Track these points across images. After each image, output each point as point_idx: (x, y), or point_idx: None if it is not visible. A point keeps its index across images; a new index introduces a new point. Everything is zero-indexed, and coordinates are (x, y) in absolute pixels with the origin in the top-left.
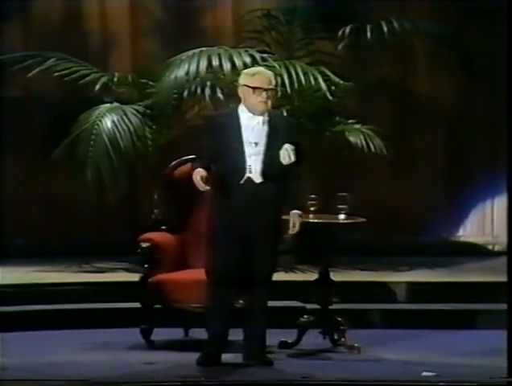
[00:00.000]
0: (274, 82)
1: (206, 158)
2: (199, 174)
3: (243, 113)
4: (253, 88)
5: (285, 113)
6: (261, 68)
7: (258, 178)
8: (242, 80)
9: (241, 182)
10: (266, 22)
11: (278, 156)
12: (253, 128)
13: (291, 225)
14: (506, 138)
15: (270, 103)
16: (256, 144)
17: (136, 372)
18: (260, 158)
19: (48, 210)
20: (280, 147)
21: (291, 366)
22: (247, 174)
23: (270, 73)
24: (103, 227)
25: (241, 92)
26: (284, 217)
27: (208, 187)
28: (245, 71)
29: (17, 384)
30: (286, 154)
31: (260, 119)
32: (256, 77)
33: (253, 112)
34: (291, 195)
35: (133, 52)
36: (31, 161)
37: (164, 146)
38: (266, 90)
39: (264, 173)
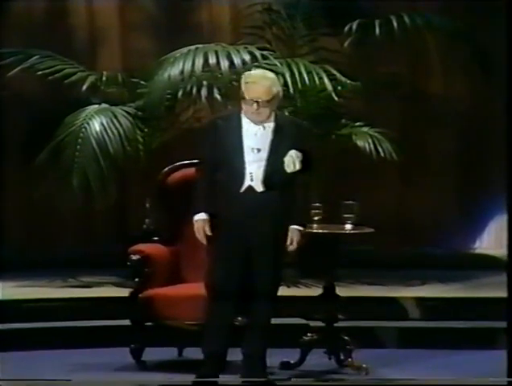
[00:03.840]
0: (273, 91)
1: (209, 165)
2: (202, 225)
3: (245, 117)
4: (244, 98)
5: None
6: (258, 75)
7: (259, 187)
8: (241, 83)
9: (242, 190)
10: (267, 17)
11: (282, 163)
12: (255, 133)
13: (288, 241)
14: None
15: (265, 113)
16: (258, 150)
17: None
18: (263, 164)
19: (30, 219)
20: (285, 153)
21: None
22: (248, 183)
23: (269, 81)
24: (90, 238)
25: (241, 94)
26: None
27: (210, 234)
28: (245, 73)
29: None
30: (291, 162)
31: (264, 123)
32: (248, 86)
33: (249, 119)
34: (292, 208)
35: (123, 49)
36: (12, 167)
37: (157, 151)
38: (257, 102)
39: (266, 181)
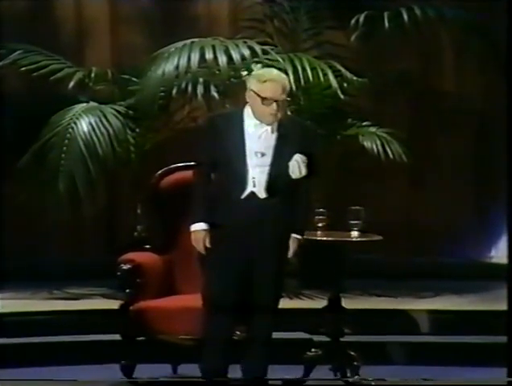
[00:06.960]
0: (288, 89)
1: (207, 165)
2: (202, 237)
3: (249, 119)
4: (263, 98)
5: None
6: (274, 73)
7: (262, 193)
8: (251, 84)
9: (243, 196)
10: (268, 10)
11: (286, 168)
12: (259, 136)
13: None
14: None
15: (280, 114)
16: (263, 154)
17: None
18: (266, 169)
19: (13, 226)
20: (290, 158)
21: None
22: (250, 188)
23: (283, 78)
24: (77, 246)
25: (249, 96)
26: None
27: (209, 246)
28: (256, 73)
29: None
30: (296, 167)
31: (269, 127)
32: (267, 85)
33: (260, 121)
34: (296, 217)
35: (113, 44)
36: None
37: (149, 152)
38: (277, 101)
39: (270, 187)
